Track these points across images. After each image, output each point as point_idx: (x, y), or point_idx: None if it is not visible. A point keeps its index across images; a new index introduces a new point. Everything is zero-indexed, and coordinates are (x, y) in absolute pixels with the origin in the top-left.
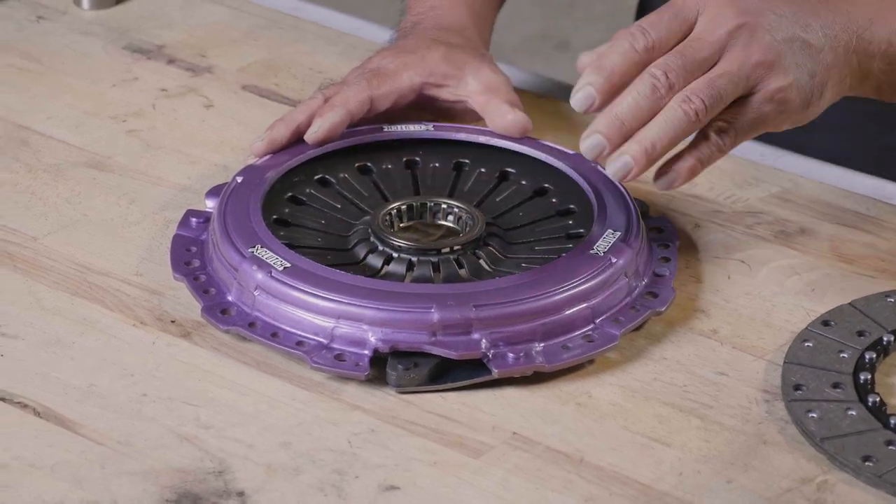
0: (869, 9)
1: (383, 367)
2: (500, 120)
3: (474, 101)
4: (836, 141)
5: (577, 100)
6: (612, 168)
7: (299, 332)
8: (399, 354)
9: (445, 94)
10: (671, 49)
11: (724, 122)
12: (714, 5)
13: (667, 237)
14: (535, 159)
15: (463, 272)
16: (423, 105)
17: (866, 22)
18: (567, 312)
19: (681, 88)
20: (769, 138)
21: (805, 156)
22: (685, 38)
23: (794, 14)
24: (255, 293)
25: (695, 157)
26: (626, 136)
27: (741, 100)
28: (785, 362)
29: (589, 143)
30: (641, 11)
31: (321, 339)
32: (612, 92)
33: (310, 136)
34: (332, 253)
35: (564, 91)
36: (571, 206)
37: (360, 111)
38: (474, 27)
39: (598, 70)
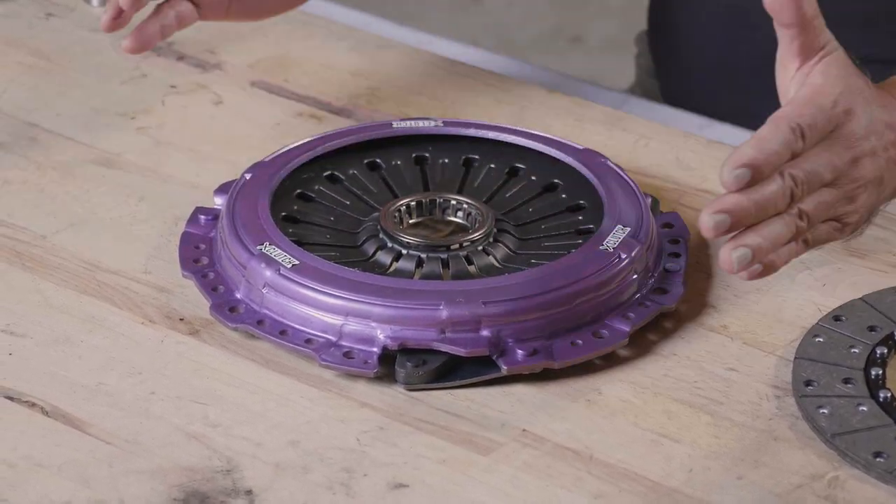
0: None
1: (392, 364)
2: None
3: None
4: None
5: (736, 176)
6: (737, 255)
7: (308, 330)
8: (408, 351)
9: None
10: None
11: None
12: (845, 125)
13: (677, 232)
14: (544, 155)
15: (472, 269)
16: None
17: None
18: (577, 309)
19: (800, 200)
20: None
21: None
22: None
23: (885, 137)
24: (264, 291)
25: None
26: (744, 225)
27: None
28: (796, 358)
29: (718, 220)
30: (653, 8)
31: (330, 337)
32: (759, 178)
33: None
34: (341, 250)
35: (575, 86)
36: (581, 202)
37: None
38: None
39: (762, 153)
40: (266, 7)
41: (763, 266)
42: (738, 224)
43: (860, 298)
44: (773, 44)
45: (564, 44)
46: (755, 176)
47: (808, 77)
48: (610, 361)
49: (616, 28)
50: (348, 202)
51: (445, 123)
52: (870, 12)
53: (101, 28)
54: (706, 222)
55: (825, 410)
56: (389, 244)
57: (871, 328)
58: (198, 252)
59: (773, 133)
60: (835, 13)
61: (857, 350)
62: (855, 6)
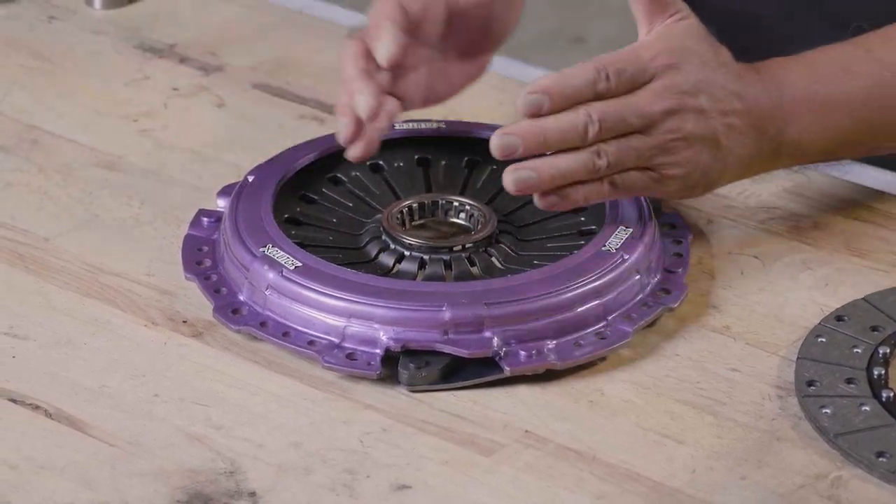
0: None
1: (395, 366)
2: None
3: None
4: None
5: (531, 101)
6: (516, 175)
7: (311, 332)
8: (411, 353)
9: None
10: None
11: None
12: (665, 76)
13: (679, 233)
14: None
15: (475, 270)
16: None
17: (784, 123)
18: (579, 309)
19: (601, 140)
20: None
21: None
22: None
23: (724, 102)
24: (267, 293)
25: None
26: (536, 152)
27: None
28: (798, 358)
29: (506, 140)
30: None
31: (332, 339)
32: (555, 108)
33: (382, 58)
34: (344, 252)
35: None
36: None
37: (412, 7)
38: None
39: (558, 85)
40: (453, 89)
41: (559, 198)
42: (528, 150)
43: (862, 298)
44: (773, 45)
45: (565, 44)
46: (551, 106)
47: (646, 36)
48: (612, 362)
49: (616, 28)
50: (351, 204)
51: (447, 125)
52: (870, 12)
53: (342, 141)
54: (494, 142)
55: (828, 410)
56: (392, 246)
57: (874, 328)
58: (201, 254)
59: (577, 70)
60: (836, 13)
61: (859, 350)
62: (855, 6)
